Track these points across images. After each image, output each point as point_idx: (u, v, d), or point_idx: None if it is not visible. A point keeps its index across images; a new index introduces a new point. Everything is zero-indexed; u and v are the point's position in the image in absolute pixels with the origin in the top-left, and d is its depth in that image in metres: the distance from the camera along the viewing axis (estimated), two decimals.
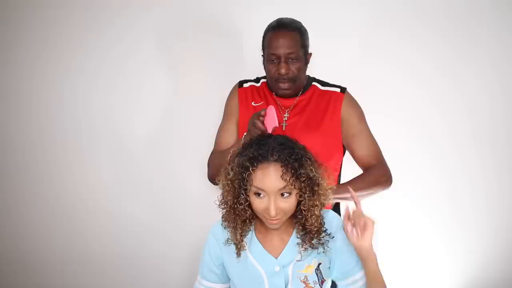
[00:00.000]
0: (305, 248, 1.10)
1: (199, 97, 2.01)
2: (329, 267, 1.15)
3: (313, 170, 1.06)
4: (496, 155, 1.95)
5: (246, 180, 1.04)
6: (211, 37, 1.98)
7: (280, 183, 1.02)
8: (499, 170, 1.96)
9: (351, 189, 1.13)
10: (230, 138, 1.60)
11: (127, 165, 2.07)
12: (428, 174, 1.96)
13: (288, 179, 1.02)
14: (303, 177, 1.04)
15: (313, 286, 1.12)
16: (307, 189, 1.05)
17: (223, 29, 1.98)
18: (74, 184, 2.10)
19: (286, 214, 1.08)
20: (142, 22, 1.99)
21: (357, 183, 1.46)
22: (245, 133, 1.42)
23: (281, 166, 1.03)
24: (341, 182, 1.63)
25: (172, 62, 2.02)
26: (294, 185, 1.04)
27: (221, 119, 1.68)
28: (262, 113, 1.29)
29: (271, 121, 1.27)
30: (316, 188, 1.07)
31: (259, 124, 1.27)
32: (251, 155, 1.04)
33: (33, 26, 2.04)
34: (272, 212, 1.03)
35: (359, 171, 1.55)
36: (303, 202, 1.07)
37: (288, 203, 1.05)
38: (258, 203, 1.05)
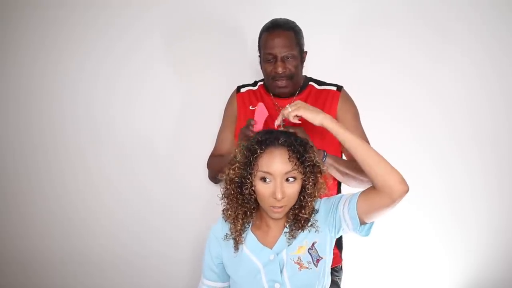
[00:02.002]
0: (293, 236, 1.14)
1: (200, 97, 2.01)
2: (328, 242, 1.16)
3: (316, 156, 1.11)
4: (496, 155, 1.95)
5: (253, 165, 1.07)
6: (214, 37, 1.99)
7: (286, 166, 1.07)
8: (500, 170, 1.96)
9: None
10: (227, 145, 1.65)
11: (127, 165, 2.07)
12: (428, 174, 1.96)
13: (294, 162, 1.07)
14: (308, 161, 1.08)
15: (307, 266, 1.13)
16: (311, 175, 1.10)
17: (225, 29, 1.98)
18: (74, 184, 2.09)
19: (290, 201, 1.11)
20: (142, 22, 1.99)
21: (347, 163, 1.48)
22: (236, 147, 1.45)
23: (288, 150, 1.07)
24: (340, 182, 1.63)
25: (173, 62, 2.02)
26: (299, 169, 1.08)
27: (221, 123, 1.69)
28: (252, 122, 1.33)
29: (261, 113, 1.31)
30: (318, 176, 1.11)
31: (248, 132, 1.31)
32: (259, 138, 1.08)
33: (33, 26, 2.04)
34: (279, 195, 1.06)
35: None
36: (306, 188, 1.10)
37: (293, 189, 1.09)
38: (264, 189, 1.09)
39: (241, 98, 1.66)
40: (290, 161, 1.07)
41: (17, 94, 2.09)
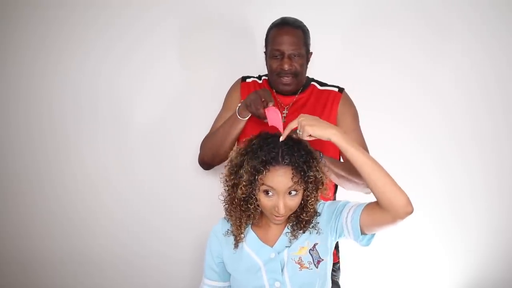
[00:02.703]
0: (295, 236, 1.16)
1: (201, 97, 2.01)
2: (328, 245, 1.17)
3: (319, 170, 1.12)
4: (496, 155, 1.95)
5: (257, 182, 1.09)
6: (213, 36, 1.99)
7: (289, 183, 1.09)
8: (500, 170, 1.96)
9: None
10: None
11: (127, 164, 2.07)
12: (429, 174, 1.97)
13: (297, 180, 1.09)
14: (311, 178, 1.10)
15: (308, 266, 1.15)
16: (313, 188, 1.12)
17: (225, 29, 1.98)
18: (74, 184, 2.09)
19: (292, 210, 1.13)
20: (142, 22, 1.99)
21: (342, 165, 1.48)
22: (239, 104, 1.48)
23: (292, 169, 1.09)
24: None
25: (174, 62, 2.02)
26: (302, 186, 1.10)
27: (221, 107, 1.68)
28: (270, 105, 1.34)
29: (274, 120, 1.31)
30: (320, 187, 1.14)
31: (262, 111, 1.34)
32: (263, 158, 1.09)
33: (33, 26, 2.04)
34: (281, 210, 1.09)
35: None
36: (309, 202, 1.13)
37: (295, 201, 1.12)
38: (266, 201, 1.11)
39: (246, 87, 1.65)
40: (292, 180, 1.08)
41: (17, 94, 2.09)
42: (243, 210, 1.15)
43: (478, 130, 1.95)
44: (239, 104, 1.48)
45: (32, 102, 2.08)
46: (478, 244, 1.99)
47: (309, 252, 1.15)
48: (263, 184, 1.09)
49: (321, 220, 1.18)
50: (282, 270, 1.15)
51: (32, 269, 2.15)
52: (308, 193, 1.12)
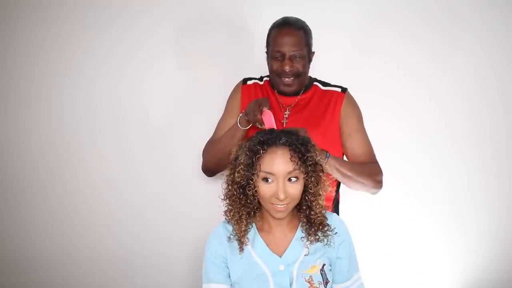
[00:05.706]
0: (311, 241, 1.13)
1: (202, 97, 2.01)
2: (330, 269, 1.16)
3: (317, 154, 1.11)
4: (496, 155, 1.95)
5: (255, 165, 1.07)
6: (214, 36, 1.99)
7: (288, 166, 1.07)
8: (500, 170, 1.96)
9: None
10: None
11: (127, 164, 2.07)
12: (428, 173, 1.97)
13: (296, 161, 1.07)
14: (310, 161, 1.08)
15: (317, 286, 1.13)
16: (313, 174, 1.09)
17: (225, 28, 1.98)
18: (75, 184, 2.09)
19: (293, 201, 1.10)
20: (142, 22, 1.99)
21: (349, 165, 1.48)
22: (240, 115, 1.48)
23: (289, 150, 1.07)
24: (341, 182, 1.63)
25: (174, 61, 2.02)
26: (301, 169, 1.07)
27: (223, 112, 1.68)
28: (265, 109, 1.35)
29: (269, 122, 1.31)
30: (321, 174, 1.11)
31: (259, 117, 1.35)
32: (260, 139, 1.08)
33: (33, 26, 2.04)
34: (281, 195, 1.06)
35: None
36: (309, 187, 1.10)
37: (295, 189, 1.09)
38: (266, 189, 1.08)
39: (247, 90, 1.64)
40: (292, 161, 1.06)
41: (16, 94, 2.08)
42: (243, 204, 1.12)
43: (478, 130, 1.95)
44: (240, 115, 1.48)
45: (32, 102, 2.08)
46: (478, 244, 1.99)
47: (320, 272, 1.13)
48: (261, 170, 1.07)
49: (336, 244, 1.17)
50: (290, 285, 1.12)
51: (32, 269, 2.15)
52: (309, 180, 1.09)
